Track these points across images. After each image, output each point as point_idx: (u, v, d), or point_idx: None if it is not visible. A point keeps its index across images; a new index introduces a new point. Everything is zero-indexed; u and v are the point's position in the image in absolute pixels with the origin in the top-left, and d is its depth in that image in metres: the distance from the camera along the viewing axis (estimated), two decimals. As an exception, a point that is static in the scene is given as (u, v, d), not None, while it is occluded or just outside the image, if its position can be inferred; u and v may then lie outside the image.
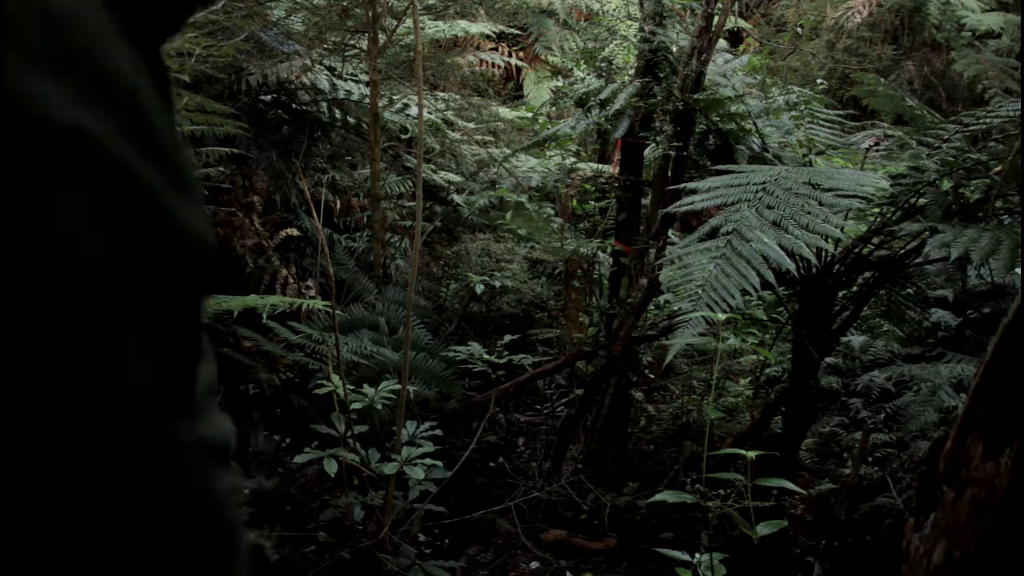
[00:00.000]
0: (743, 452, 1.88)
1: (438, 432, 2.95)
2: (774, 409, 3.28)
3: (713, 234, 2.37)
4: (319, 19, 3.07)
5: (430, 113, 4.00)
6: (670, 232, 3.40)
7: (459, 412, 3.76)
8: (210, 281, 0.38)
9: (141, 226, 0.32)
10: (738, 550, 2.19)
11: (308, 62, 3.36)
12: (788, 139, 3.29)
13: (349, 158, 4.07)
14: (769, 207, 2.34)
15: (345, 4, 2.93)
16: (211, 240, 0.37)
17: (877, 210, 2.89)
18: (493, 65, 7.13)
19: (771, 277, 2.21)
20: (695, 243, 2.40)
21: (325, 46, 3.32)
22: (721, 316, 2.09)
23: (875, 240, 2.86)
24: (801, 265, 2.82)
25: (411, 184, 4.06)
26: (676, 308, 2.34)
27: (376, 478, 2.67)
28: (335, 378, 2.87)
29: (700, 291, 2.25)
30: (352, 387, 3.06)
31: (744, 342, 4.13)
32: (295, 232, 3.86)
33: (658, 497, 1.33)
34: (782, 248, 2.24)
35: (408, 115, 3.88)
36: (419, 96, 2.27)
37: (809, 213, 2.30)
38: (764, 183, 2.42)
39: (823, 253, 2.69)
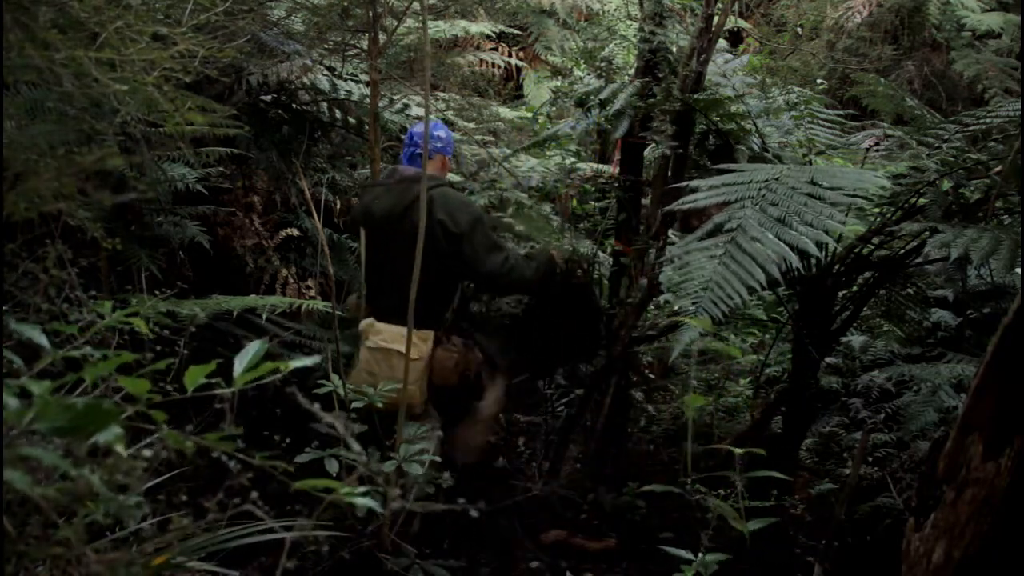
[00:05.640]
0: (733, 449, 1.96)
1: (439, 432, 2.95)
2: (774, 409, 3.28)
3: (715, 232, 2.37)
4: (319, 19, 3.07)
5: (430, 114, 4.00)
6: (670, 232, 3.39)
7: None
8: None
9: None
10: (738, 550, 2.19)
11: (308, 62, 3.36)
12: (788, 139, 3.29)
13: (349, 158, 4.06)
14: (773, 204, 2.34)
15: (345, 4, 2.93)
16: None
17: (877, 210, 2.89)
18: (493, 65, 7.14)
19: (777, 274, 2.20)
20: (696, 242, 2.39)
21: (325, 46, 3.32)
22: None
23: (875, 240, 2.86)
24: (802, 264, 2.82)
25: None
26: (677, 308, 2.34)
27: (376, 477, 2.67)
28: (335, 378, 2.87)
29: (702, 291, 2.25)
30: (352, 387, 3.05)
31: (744, 342, 4.12)
32: (295, 232, 3.86)
33: (647, 488, 1.39)
34: (787, 244, 2.24)
35: (408, 115, 3.88)
36: (426, 91, 2.29)
37: (811, 210, 2.30)
38: (767, 181, 2.42)
39: (824, 252, 2.69)
